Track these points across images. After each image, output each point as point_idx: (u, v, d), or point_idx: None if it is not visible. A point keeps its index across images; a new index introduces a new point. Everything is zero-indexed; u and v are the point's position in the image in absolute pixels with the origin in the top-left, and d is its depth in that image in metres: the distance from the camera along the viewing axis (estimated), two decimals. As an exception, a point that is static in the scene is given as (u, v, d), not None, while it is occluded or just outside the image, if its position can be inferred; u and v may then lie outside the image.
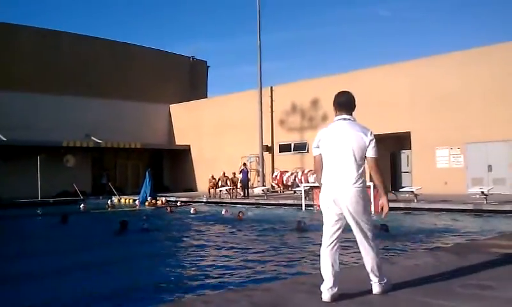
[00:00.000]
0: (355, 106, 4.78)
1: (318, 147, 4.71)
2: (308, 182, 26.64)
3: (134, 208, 25.57)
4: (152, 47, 41.55)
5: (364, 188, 4.48)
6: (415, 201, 19.29)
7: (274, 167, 31.82)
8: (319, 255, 4.52)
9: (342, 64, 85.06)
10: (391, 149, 27.64)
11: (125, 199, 29.17)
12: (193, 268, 9.84)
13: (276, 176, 30.61)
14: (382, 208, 4.54)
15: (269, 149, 32.02)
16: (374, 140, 4.52)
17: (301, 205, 21.73)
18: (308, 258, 10.29)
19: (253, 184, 30.59)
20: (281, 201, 24.02)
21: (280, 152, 31.94)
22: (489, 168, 22.52)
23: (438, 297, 4.40)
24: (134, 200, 27.89)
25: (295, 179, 28.98)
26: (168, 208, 24.32)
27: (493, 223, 15.17)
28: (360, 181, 4.42)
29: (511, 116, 21.53)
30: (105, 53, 37.25)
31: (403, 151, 27.10)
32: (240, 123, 32.95)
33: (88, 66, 35.61)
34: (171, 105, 39.81)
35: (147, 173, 28.46)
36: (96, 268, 9.94)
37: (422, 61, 25.41)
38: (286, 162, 30.90)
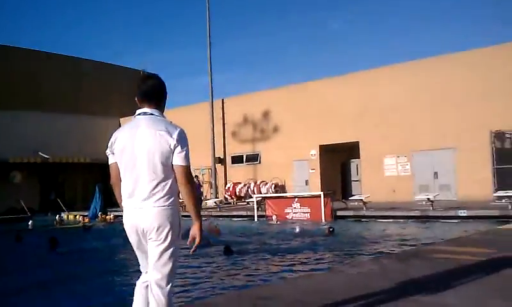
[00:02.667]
0: (164, 97, 3.60)
1: (112, 153, 3.48)
2: (260, 193, 26.78)
3: (81, 224, 24.92)
4: (101, 60, 40.97)
5: (173, 209, 3.31)
6: (364, 209, 19.65)
7: (227, 178, 31.78)
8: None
9: (292, 75, 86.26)
10: (341, 159, 28.17)
11: (74, 215, 28.44)
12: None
13: (229, 187, 30.58)
14: (194, 239, 3.38)
15: (222, 161, 31.97)
16: (184, 143, 3.38)
17: (253, 216, 21.78)
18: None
19: (205, 196, 30.45)
20: (234, 213, 23.97)
21: (232, 164, 31.94)
22: (435, 175, 23.19)
23: (379, 303, 4.47)
24: (84, 215, 27.24)
25: (247, 190, 29.03)
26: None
27: (438, 229, 15.62)
28: (164, 199, 3.27)
29: (456, 125, 22.27)
30: (53, 67, 36.43)
31: (352, 160, 27.61)
32: (192, 135, 32.11)
33: (36, 80, 34.73)
34: (121, 119, 39.13)
35: (97, 188, 27.88)
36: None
37: (369, 72, 26.02)
38: (239, 174, 30.92)
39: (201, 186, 29.14)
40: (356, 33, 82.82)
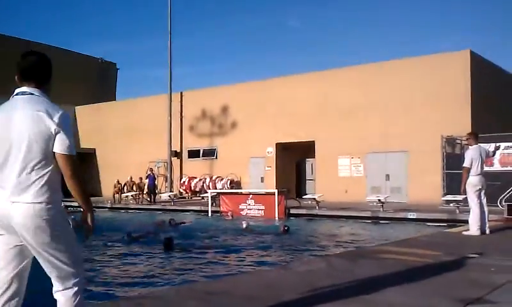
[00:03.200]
0: (47, 75, 3.08)
1: None
2: (216, 188, 26.75)
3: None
4: (58, 46, 39.93)
5: (55, 205, 2.84)
6: (317, 208, 19.93)
7: (183, 172, 31.58)
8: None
9: (252, 72, 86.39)
10: (297, 158, 28.43)
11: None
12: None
13: (184, 181, 30.40)
14: (86, 230, 3.01)
15: (178, 154, 31.74)
16: (68, 128, 2.86)
17: (207, 211, 21.75)
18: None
19: (160, 190, 30.19)
20: (188, 207, 23.89)
21: (188, 158, 31.75)
22: (387, 177, 23.70)
23: (325, 301, 4.55)
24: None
25: (203, 185, 28.94)
26: None
27: (388, 230, 16.00)
28: (43, 194, 2.79)
29: (409, 128, 22.81)
30: (5, 49, 35.21)
31: (308, 159, 27.91)
32: (149, 127, 32.41)
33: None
34: (76, 107, 38.31)
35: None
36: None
37: (327, 72, 26.39)
38: (195, 168, 30.77)
39: (156, 179, 28.92)
40: (314, 32, 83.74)
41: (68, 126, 2.86)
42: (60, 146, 2.79)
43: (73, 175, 2.86)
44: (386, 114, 23.64)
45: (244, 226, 16.08)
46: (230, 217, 20.18)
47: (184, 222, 17.68)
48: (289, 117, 26.54)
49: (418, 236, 11.19)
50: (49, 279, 2.88)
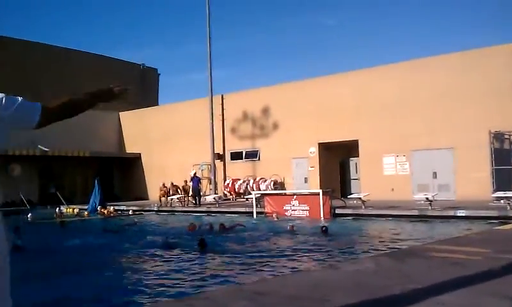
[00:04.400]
0: None
1: None
2: (259, 189, 26.83)
3: (83, 218, 25.16)
4: (101, 53, 40.92)
5: None
6: (363, 207, 19.71)
7: (226, 175, 31.82)
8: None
9: (291, 73, 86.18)
10: (340, 157, 28.20)
11: (73, 209, 28.48)
12: (130, 280, 9.68)
13: (228, 183, 30.62)
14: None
15: (221, 157, 31.99)
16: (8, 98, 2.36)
17: (252, 213, 21.83)
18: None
19: (205, 192, 30.50)
20: (232, 209, 24.05)
21: (231, 160, 31.98)
22: (434, 175, 23.23)
23: (373, 301, 4.50)
24: (81, 210, 27.37)
25: (247, 186, 29.08)
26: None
27: (436, 228, 15.68)
28: None
29: (454, 124, 22.32)
30: (49, 58, 36.39)
31: (352, 158, 27.64)
32: (192, 130, 32.82)
33: (33, 72, 34.69)
34: (120, 113, 39.22)
35: (96, 182, 27.97)
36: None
37: (367, 70, 26.12)
38: (238, 170, 30.97)
39: (201, 182, 29.22)
40: (354, 31, 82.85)
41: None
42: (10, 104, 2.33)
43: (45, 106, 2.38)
44: (430, 111, 23.19)
45: (289, 226, 16.08)
46: (275, 218, 20.19)
47: (240, 224, 17.69)
48: (331, 116, 26.37)
49: (468, 234, 10.93)
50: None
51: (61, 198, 30.16)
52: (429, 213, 17.90)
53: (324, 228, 15.02)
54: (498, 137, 21.21)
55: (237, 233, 16.06)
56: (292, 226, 16.16)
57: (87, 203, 28.14)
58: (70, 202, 30.79)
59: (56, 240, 16.39)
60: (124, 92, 2.67)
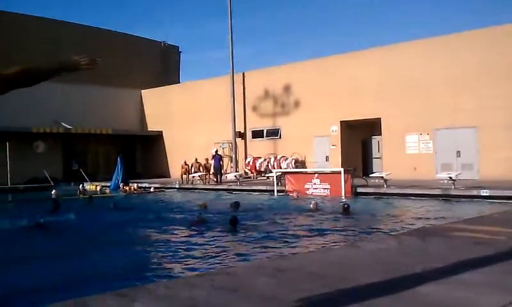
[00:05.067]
0: None
1: None
2: (280, 168, 26.80)
3: (105, 194, 25.52)
4: (121, 31, 40.89)
5: None
6: (385, 186, 19.55)
7: (247, 153, 31.85)
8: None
9: (313, 50, 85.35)
10: (362, 136, 27.96)
11: (96, 186, 28.86)
12: (158, 254, 9.80)
13: (249, 162, 30.65)
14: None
15: (242, 135, 31.98)
16: None
17: (273, 191, 21.84)
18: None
19: (226, 170, 30.59)
20: (253, 187, 24.09)
21: (252, 138, 31.96)
22: (458, 154, 22.91)
23: (396, 279, 4.47)
24: (103, 187, 27.72)
25: (268, 165, 29.07)
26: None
27: (460, 208, 15.49)
28: None
29: (478, 103, 21.92)
30: (72, 36, 36.40)
31: (374, 137, 27.38)
32: (213, 108, 32.83)
33: (54, 49, 34.80)
34: (142, 91, 39.40)
35: (119, 159, 28.25)
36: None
37: (390, 47, 25.64)
38: (259, 148, 30.95)
39: (222, 160, 29.29)
40: (378, 5, 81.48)
41: None
42: None
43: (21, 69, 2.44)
44: (455, 89, 22.78)
45: (313, 204, 16.05)
46: (296, 197, 20.19)
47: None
48: (353, 94, 26.08)
49: (492, 214, 10.77)
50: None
51: (84, 175, 30.56)
52: (453, 192, 17.67)
53: (346, 206, 14.96)
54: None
55: (256, 211, 16.11)
56: (316, 204, 16.11)
57: (109, 180, 28.48)
58: (92, 179, 31.18)
59: (87, 216, 17.01)
60: (93, 64, 2.72)
